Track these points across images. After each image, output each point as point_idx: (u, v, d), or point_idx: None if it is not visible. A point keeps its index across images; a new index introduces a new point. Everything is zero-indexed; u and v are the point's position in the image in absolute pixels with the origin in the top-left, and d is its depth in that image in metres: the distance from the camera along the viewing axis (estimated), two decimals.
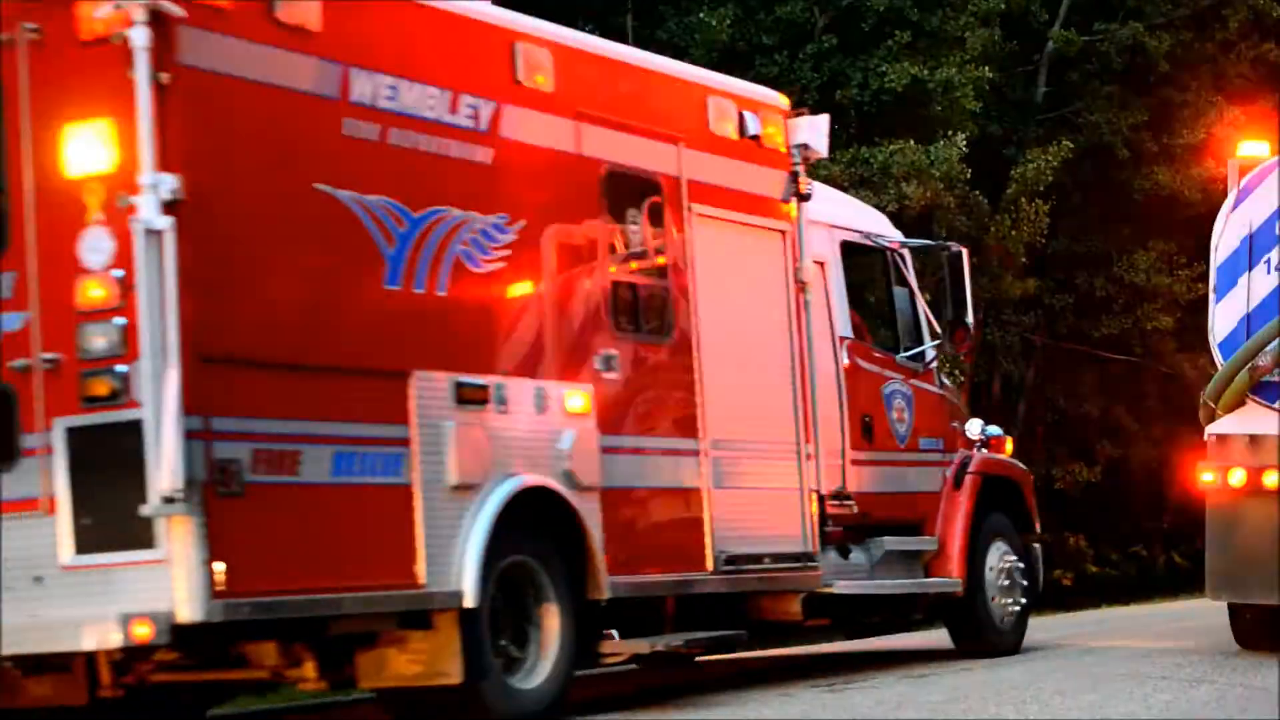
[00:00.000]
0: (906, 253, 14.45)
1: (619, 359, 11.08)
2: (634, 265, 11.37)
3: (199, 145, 8.81)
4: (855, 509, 13.13)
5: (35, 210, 8.99)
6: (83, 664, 10.28)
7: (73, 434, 8.85)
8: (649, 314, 11.44)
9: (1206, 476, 13.35)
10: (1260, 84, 33.05)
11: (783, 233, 12.57)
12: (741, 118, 12.24)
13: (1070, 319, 33.47)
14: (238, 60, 9.06)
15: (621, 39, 23.73)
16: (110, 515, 8.76)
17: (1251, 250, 13.39)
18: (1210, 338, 13.49)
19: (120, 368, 8.70)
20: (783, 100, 12.88)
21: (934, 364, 14.49)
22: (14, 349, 9.02)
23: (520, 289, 10.51)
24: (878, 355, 13.93)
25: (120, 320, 8.72)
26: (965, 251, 14.35)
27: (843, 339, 13.40)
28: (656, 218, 11.54)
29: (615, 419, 10.98)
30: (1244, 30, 32.88)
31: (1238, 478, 13.22)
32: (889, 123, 26.13)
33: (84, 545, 8.84)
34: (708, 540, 11.57)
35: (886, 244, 14.27)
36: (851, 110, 26.17)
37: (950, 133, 25.51)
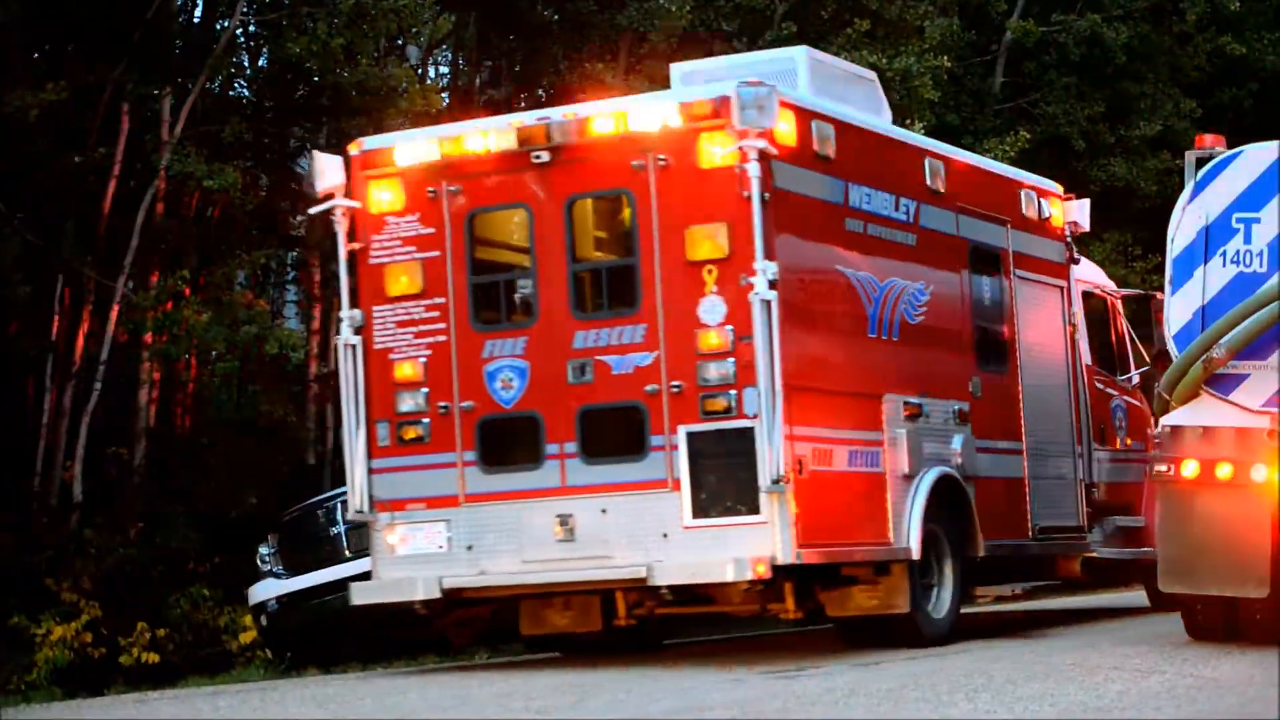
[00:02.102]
0: (1120, 299, 18.81)
1: (981, 384, 15.34)
2: (985, 315, 15.64)
3: (783, 241, 12.99)
4: (1097, 494, 17.43)
5: (662, 284, 13.11)
6: (598, 601, 14.45)
7: (692, 436, 12.97)
8: (995, 351, 15.71)
9: (1159, 468, 13.47)
10: (1218, 77, 33.49)
11: (1061, 288, 16.87)
12: (1039, 203, 16.52)
13: None
14: (798, 181, 13.25)
15: (580, 22, 24.91)
16: (722, 491, 12.89)
17: (1208, 243, 13.49)
18: (1165, 329, 13.66)
19: (731, 392, 12.85)
20: (1059, 188, 17.18)
21: (1137, 383, 18.84)
22: (644, 378, 13.14)
23: (931, 334, 14.75)
24: (1106, 377, 18.25)
25: (731, 360, 12.86)
26: None
27: (1087, 366, 17.69)
28: (996, 280, 15.83)
29: (980, 427, 15.23)
30: (1202, 23, 32.32)
31: (1191, 469, 13.28)
32: None
33: (700, 512, 12.95)
34: (1029, 515, 15.86)
35: (1109, 293, 18.62)
36: None
37: (908, 121, 24.54)
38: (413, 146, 13.83)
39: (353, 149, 14.08)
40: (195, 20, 23.70)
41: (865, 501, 13.74)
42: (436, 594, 13.54)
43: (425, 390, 13.73)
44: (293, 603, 17.92)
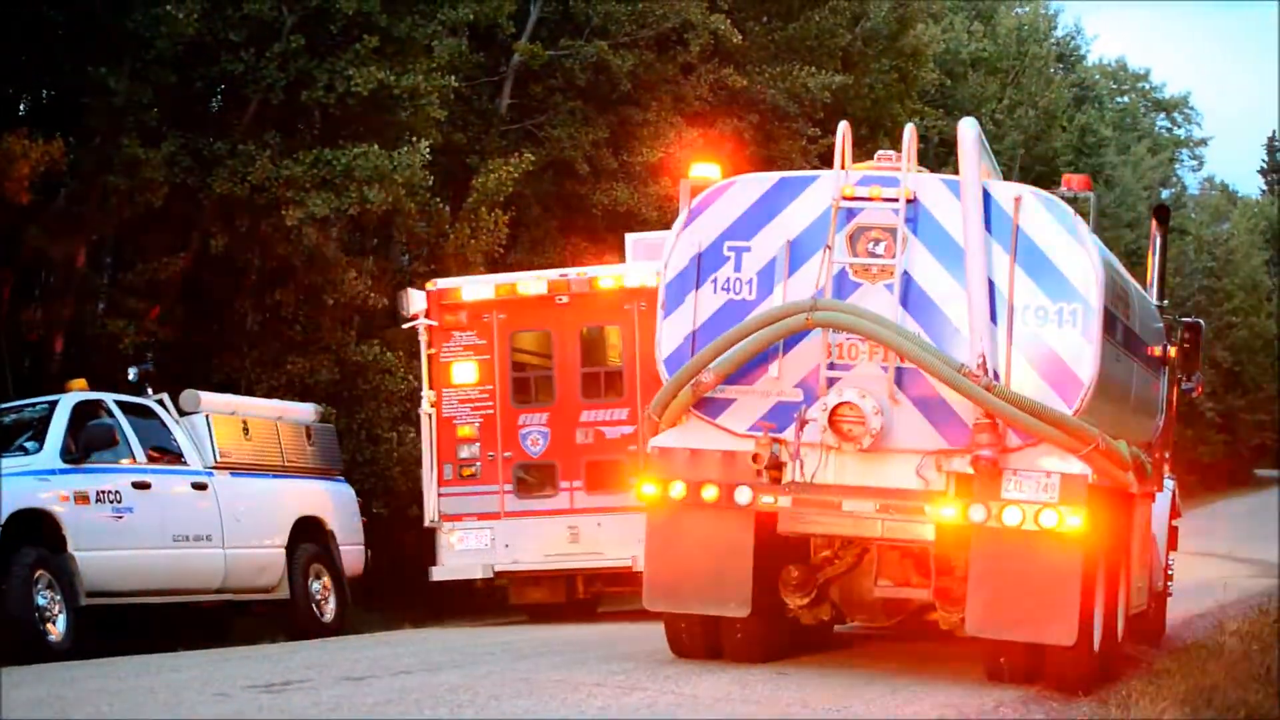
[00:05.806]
0: None
1: None
2: None
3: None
4: None
5: (641, 383, 20.08)
6: (564, 581, 21.47)
7: None
8: None
9: (648, 489, 13.56)
10: (718, 107, 33.86)
11: None
12: None
13: None
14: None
15: (90, 23, 24.14)
16: None
17: (700, 269, 13.49)
18: (657, 353, 13.73)
19: None
20: None
21: None
22: (628, 441, 20.61)
23: None
24: None
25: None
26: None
27: None
28: None
29: None
30: (705, 54, 32.84)
31: (678, 491, 13.42)
32: (354, 126, 26.04)
33: None
34: None
35: None
36: (316, 112, 26.46)
37: (414, 139, 25.24)
38: (475, 287, 21.45)
39: (429, 286, 21.58)
40: None
41: None
42: (491, 575, 21.14)
43: (478, 444, 21.26)
44: None
